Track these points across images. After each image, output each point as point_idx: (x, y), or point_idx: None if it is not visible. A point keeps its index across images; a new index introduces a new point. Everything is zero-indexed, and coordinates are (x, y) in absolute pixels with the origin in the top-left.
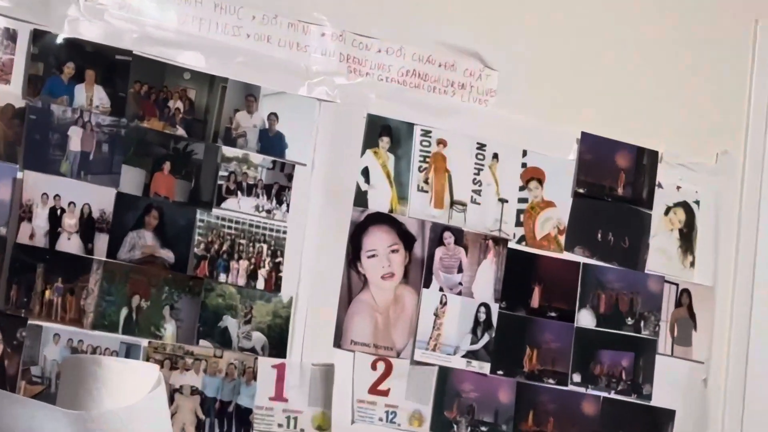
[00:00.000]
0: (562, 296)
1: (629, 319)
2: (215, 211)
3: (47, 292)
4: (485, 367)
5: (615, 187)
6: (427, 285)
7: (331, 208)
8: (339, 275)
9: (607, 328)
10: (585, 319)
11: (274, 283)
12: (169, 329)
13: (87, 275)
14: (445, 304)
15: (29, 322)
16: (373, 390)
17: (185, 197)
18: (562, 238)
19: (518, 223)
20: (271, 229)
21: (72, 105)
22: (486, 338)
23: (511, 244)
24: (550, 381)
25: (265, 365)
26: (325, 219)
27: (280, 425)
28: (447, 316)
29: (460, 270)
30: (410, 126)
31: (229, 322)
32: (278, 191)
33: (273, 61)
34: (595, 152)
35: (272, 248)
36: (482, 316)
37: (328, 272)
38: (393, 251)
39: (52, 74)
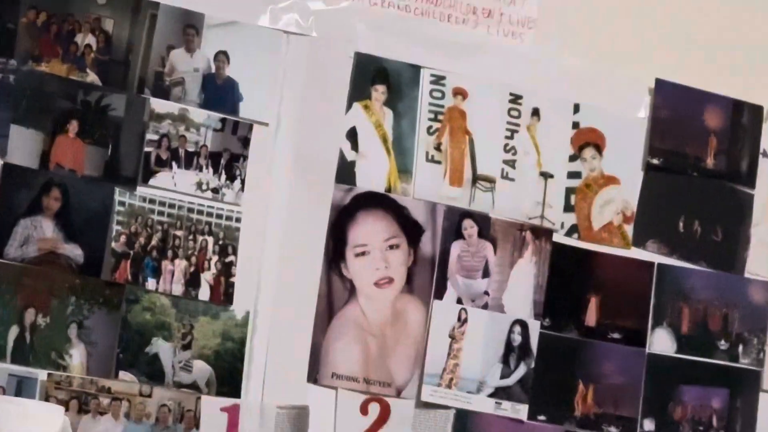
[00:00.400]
0: (628, 311)
1: (722, 342)
2: (141, 190)
3: None
4: (521, 411)
5: (702, 156)
6: (439, 295)
7: (304, 187)
8: (315, 281)
9: (692, 354)
10: (661, 342)
11: (224, 293)
12: (77, 357)
13: None
14: (465, 321)
15: None
16: None
17: (99, 171)
18: (629, 229)
19: (568, 208)
20: (220, 216)
21: None
22: (522, 370)
23: (558, 237)
24: (612, 430)
25: (212, 407)
26: (295, 202)
27: None
28: (468, 339)
29: (486, 274)
30: (415, 70)
31: (161, 348)
32: (229, 162)
33: None
34: (676, 108)
35: (221, 243)
36: (517, 339)
37: (299, 277)
38: (391, 247)
39: None
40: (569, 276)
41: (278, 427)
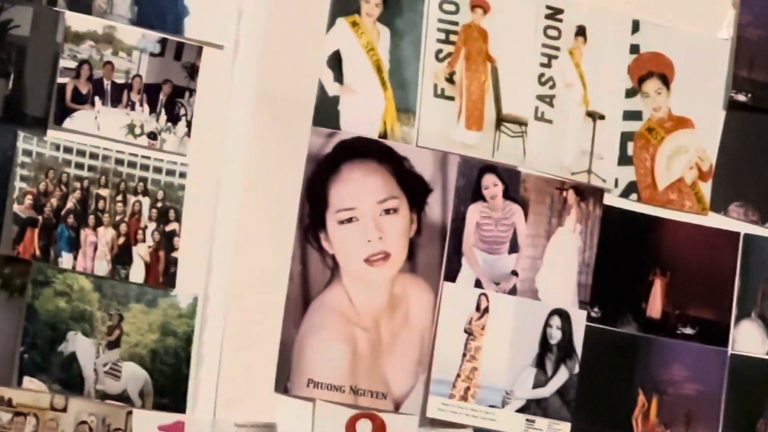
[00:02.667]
0: (705, 297)
1: None
2: (53, 134)
3: None
4: (562, 431)
5: None
6: (451, 276)
7: (271, 132)
8: (285, 257)
9: None
10: (748, 339)
11: (164, 272)
12: None
13: None
14: (486, 311)
15: None
16: None
17: None
18: (706, 188)
19: (624, 160)
20: (158, 170)
21: None
22: (563, 375)
23: (611, 199)
24: None
25: (147, 425)
26: (258, 151)
27: None
28: (490, 335)
29: (513, 248)
30: None
31: (80, 345)
32: (171, 98)
33: None
34: None
35: (160, 205)
36: (556, 335)
37: (264, 252)
38: (387, 212)
39: None
40: (626, 251)
41: None
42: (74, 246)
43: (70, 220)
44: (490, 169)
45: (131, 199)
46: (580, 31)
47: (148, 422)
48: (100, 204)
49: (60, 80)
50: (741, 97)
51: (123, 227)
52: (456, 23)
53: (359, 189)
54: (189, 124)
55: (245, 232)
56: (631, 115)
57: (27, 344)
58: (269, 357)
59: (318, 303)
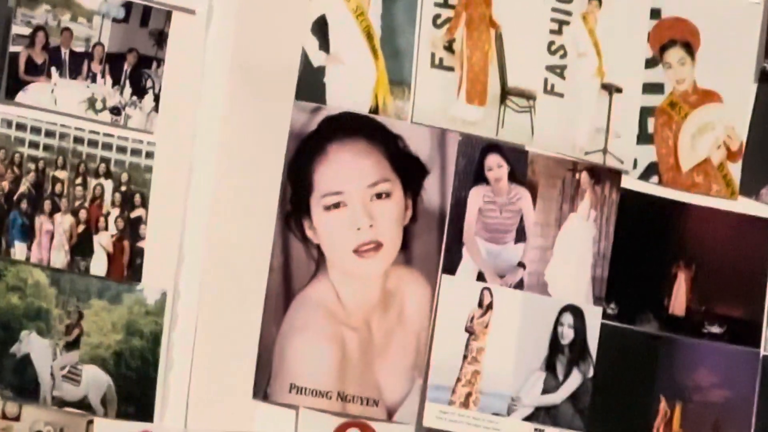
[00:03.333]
0: (734, 292)
1: None
2: (4, 109)
3: None
4: None
5: None
6: (451, 268)
7: (249, 106)
8: (265, 248)
9: None
10: None
11: (129, 265)
12: None
13: None
14: (490, 307)
15: None
16: None
17: None
18: (735, 169)
19: (644, 138)
20: (122, 149)
21: None
22: (575, 380)
23: (630, 182)
24: None
25: None
26: (235, 128)
27: None
28: (494, 335)
29: (520, 237)
30: None
31: (35, 346)
32: (137, 69)
33: None
34: None
35: (124, 189)
36: (568, 335)
37: (240, 242)
38: (379, 196)
39: None
40: (646, 240)
41: None
42: (28, 235)
43: (24, 205)
44: (494, 148)
45: (92, 182)
46: None
47: None
48: (57, 188)
49: (12, 49)
50: None
51: (83, 214)
52: None
53: (347, 171)
54: (157, 98)
55: (220, 219)
56: (652, 88)
57: None
58: (247, 359)
59: (301, 299)
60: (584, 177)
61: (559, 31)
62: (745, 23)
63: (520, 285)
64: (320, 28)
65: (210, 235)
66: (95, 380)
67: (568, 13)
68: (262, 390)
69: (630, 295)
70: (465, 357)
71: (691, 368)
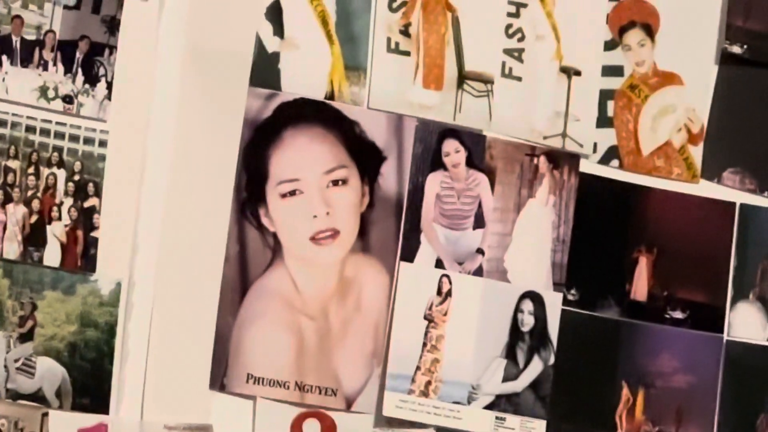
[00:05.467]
0: (696, 277)
1: None
2: None
3: None
4: (536, 429)
5: None
6: (409, 256)
7: (203, 93)
8: (220, 236)
9: None
10: (746, 324)
11: (83, 255)
12: None
13: None
14: (449, 295)
15: None
16: None
17: None
18: (696, 153)
19: (603, 121)
20: (75, 138)
21: None
22: (536, 368)
23: (589, 166)
24: None
25: (66, 428)
26: (189, 115)
27: None
28: (453, 322)
29: (479, 223)
30: None
31: None
32: (89, 56)
33: None
34: None
35: (77, 179)
36: (528, 321)
37: (195, 231)
38: (335, 183)
39: None
40: (606, 225)
41: None
42: None
43: None
44: (452, 133)
45: (45, 171)
46: None
47: (67, 425)
48: (9, 177)
49: None
50: (735, 49)
51: (36, 204)
52: None
53: (303, 158)
54: (109, 86)
55: (174, 208)
56: (611, 71)
57: None
58: (203, 350)
59: (258, 288)
60: (543, 161)
61: (517, 14)
62: (706, 4)
63: (479, 271)
64: (274, 13)
65: (164, 224)
66: (50, 372)
67: None
68: (218, 380)
69: (591, 281)
70: (424, 345)
71: (654, 354)
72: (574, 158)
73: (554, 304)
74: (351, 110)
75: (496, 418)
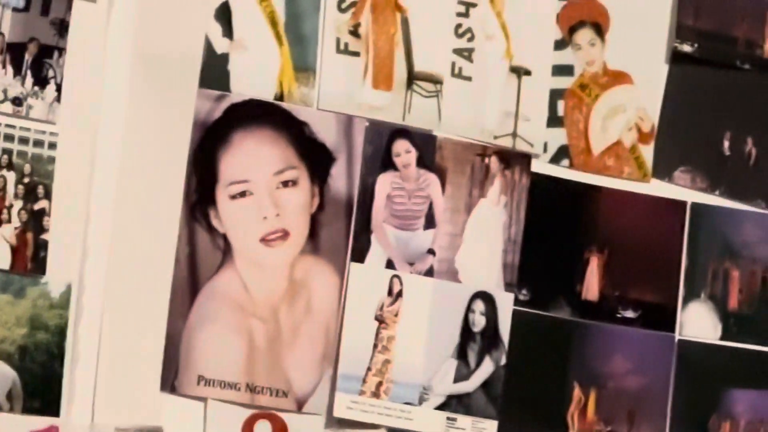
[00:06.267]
0: (648, 276)
1: None
2: None
3: None
4: (487, 430)
5: (757, 40)
6: (359, 256)
7: (152, 95)
8: (170, 238)
9: (746, 342)
10: (698, 324)
11: (32, 257)
12: None
13: None
14: (400, 295)
15: None
16: None
17: None
18: (647, 152)
19: (554, 121)
20: (24, 141)
21: None
22: (488, 368)
23: (540, 166)
24: None
25: (17, 431)
26: (139, 117)
27: None
28: (404, 323)
29: (430, 223)
30: None
31: None
32: (38, 59)
33: None
34: None
35: (26, 181)
36: (479, 321)
37: (146, 232)
38: (285, 184)
39: None
40: (557, 225)
41: None
42: None
43: None
44: (402, 133)
45: None
46: None
47: (18, 427)
48: None
49: None
50: (686, 48)
51: None
52: None
53: (253, 159)
54: (59, 88)
55: (124, 210)
56: (561, 70)
57: None
58: (154, 352)
59: (208, 290)
60: (494, 161)
61: (466, 14)
62: (656, 3)
63: (430, 272)
64: (223, 14)
65: (115, 226)
66: (0, 375)
67: None
68: (169, 382)
69: (542, 281)
70: (375, 346)
71: (606, 354)
72: (524, 158)
73: (506, 305)
74: (300, 111)
75: (448, 418)
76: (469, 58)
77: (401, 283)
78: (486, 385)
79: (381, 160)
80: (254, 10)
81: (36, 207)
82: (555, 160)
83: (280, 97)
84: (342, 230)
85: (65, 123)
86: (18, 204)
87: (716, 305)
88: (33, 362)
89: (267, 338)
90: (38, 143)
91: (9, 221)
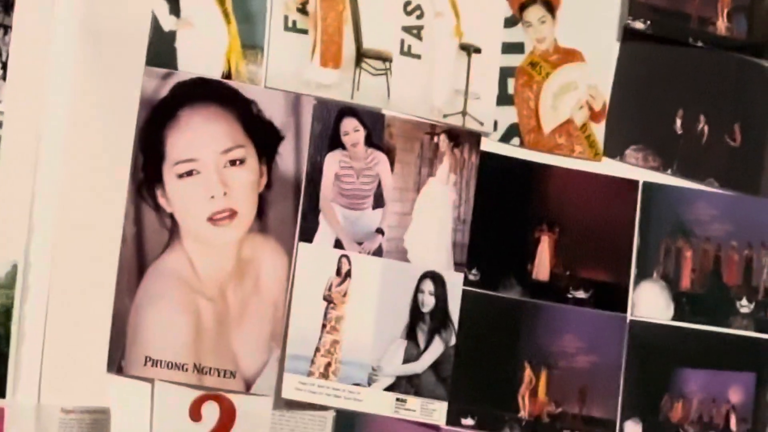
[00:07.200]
0: (599, 255)
1: (744, 302)
2: None
3: None
4: (437, 412)
5: (711, 16)
6: (307, 236)
7: (99, 72)
8: (117, 217)
9: (698, 322)
10: (649, 303)
11: None
12: None
13: None
14: (348, 275)
15: None
16: None
17: None
18: (598, 130)
19: (504, 99)
20: None
21: None
22: (437, 348)
23: (490, 144)
24: None
25: None
26: (85, 95)
27: None
28: (353, 303)
29: (378, 202)
30: None
31: None
32: None
33: None
34: None
35: None
36: (428, 301)
37: (92, 211)
38: (233, 163)
39: None
40: (507, 204)
41: None
42: None
43: None
44: (350, 112)
45: None
46: None
47: None
48: None
49: None
50: (638, 25)
51: None
52: None
53: (200, 137)
54: (4, 66)
55: (70, 188)
56: (512, 48)
57: None
58: (100, 332)
59: (155, 269)
60: (443, 140)
61: None
62: None
63: (378, 252)
64: None
65: (60, 205)
66: None
67: None
68: (116, 363)
69: (492, 261)
70: (324, 326)
71: (557, 334)
72: (474, 136)
73: (455, 285)
74: (248, 89)
75: (397, 399)
76: (419, 36)
77: (350, 263)
78: (435, 366)
79: (329, 138)
80: None
81: None
82: (505, 138)
83: (227, 75)
84: (290, 209)
85: (10, 101)
86: None
87: (668, 285)
88: None
89: (214, 318)
90: None
91: None
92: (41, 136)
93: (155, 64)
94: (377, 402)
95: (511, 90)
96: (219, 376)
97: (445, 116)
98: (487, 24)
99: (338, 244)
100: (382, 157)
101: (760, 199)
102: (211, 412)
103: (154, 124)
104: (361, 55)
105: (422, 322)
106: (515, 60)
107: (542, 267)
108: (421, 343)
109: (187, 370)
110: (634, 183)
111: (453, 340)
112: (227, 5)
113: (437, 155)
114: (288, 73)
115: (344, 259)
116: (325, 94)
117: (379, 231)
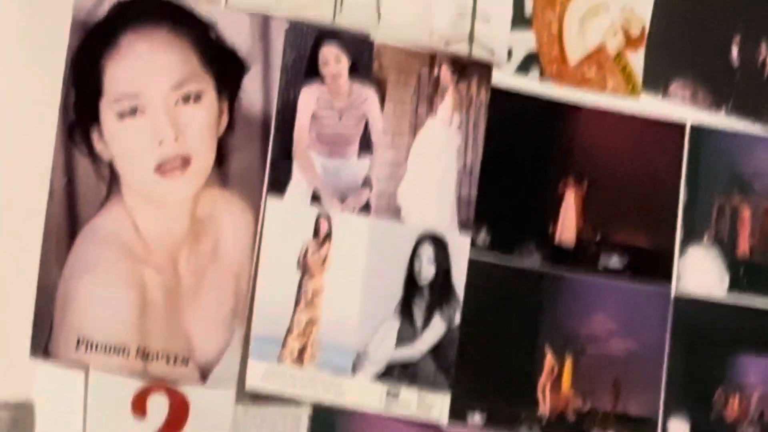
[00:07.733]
0: (637, 215)
1: None
2: None
3: None
4: (437, 407)
5: None
6: (278, 189)
7: None
8: (44, 166)
9: (760, 297)
10: (699, 273)
11: None
12: None
13: None
14: (328, 238)
15: None
16: None
17: None
18: (636, 60)
19: (520, 22)
20: None
21: None
22: (438, 329)
23: (503, 77)
24: None
25: None
26: (6, 18)
27: None
28: (333, 272)
29: (366, 148)
30: None
31: None
32: None
33: None
34: None
35: None
36: (427, 271)
37: (13, 159)
38: (186, 99)
39: None
40: (524, 151)
41: None
42: None
43: None
44: (331, 37)
45: None
46: None
47: None
48: None
49: None
50: None
51: None
52: None
53: (145, 69)
54: None
55: None
56: None
57: None
58: (23, 308)
59: (90, 230)
60: (445, 72)
61: None
62: None
63: (366, 209)
64: None
65: None
66: None
67: None
68: (41, 346)
69: (505, 221)
70: (297, 302)
71: (584, 313)
72: (483, 68)
73: (460, 250)
74: (205, 9)
75: (388, 393)
76: None
77: (330, 223)
78: (435, 351)
79: (305, 69)
80: None
81: None
82: (521, 70)
83: None
84: (256, 157)
85: None
86: None
87: (722, 251)
88: None
89: (163, 291)
90: None
91: None
92: None
93: None
94: (363, 394)
95: (528, 11)
96: (168, 362)
97: (447, 43)
98: None
99: (316, 200)
100: (370, 93)
101: None
102: (158, 406)
103: (89, 52)
104: None
105: (419, 297)
106: None
107: (567, 229)
108: (418, 323)
109: (129, 354)
110: (679, 126)
111: (457, 319)
112: None
113: (438, 91)
114: None
115: (323, 219)
116: (300, 14)
117: (367, 184)
